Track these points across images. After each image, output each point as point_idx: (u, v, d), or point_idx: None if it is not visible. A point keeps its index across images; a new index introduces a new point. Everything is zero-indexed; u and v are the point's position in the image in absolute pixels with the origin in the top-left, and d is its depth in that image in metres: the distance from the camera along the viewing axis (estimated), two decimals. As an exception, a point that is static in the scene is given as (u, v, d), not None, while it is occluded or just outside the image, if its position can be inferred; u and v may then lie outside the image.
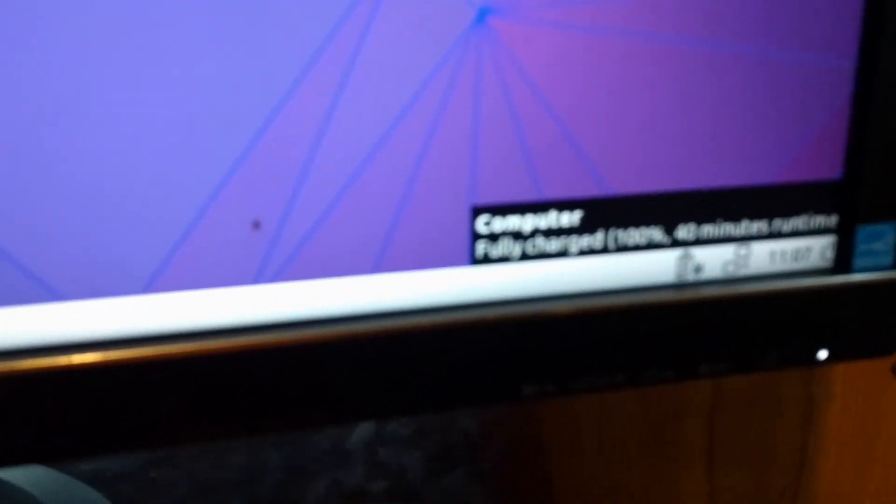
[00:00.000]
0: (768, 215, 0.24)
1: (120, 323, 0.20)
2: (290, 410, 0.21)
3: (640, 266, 0.23)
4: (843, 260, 0.24)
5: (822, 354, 0.25)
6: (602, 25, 0.21)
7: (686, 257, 0.24)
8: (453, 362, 0.22)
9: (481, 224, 0.22)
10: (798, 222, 0.24)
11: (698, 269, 0.24)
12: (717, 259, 0.24)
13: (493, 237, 0.22)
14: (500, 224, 0.22)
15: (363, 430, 0.39)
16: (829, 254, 0.24)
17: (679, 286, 0.24)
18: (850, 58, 0.23)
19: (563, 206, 0.22)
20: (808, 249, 0.24)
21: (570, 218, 0.22)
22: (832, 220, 0.24)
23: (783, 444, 0.46)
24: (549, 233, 0.22)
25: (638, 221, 0.23)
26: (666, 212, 0.23)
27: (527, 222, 0.22)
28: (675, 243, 0.23)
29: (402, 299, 0.22)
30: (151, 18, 0.18)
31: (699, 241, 0.23)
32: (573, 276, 0.23)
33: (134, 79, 0.19)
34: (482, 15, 0.20)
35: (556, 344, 0.23)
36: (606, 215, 0.23)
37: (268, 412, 0.21)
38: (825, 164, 0.24)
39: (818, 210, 0.24)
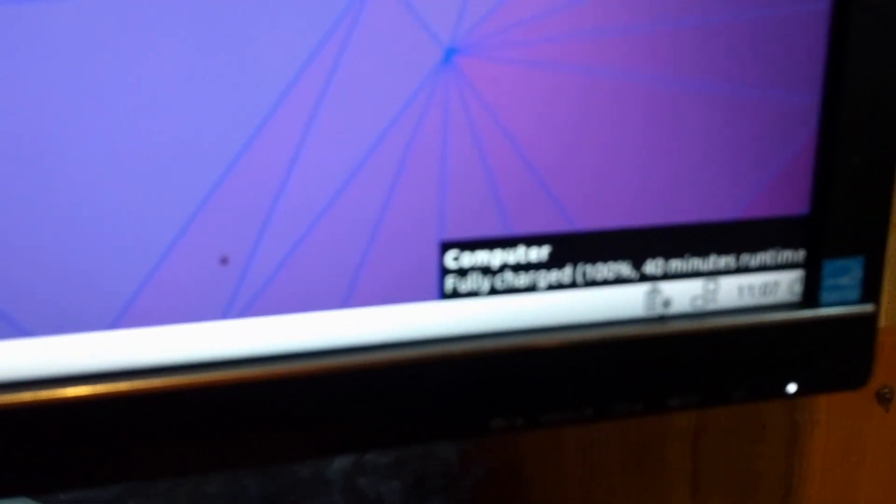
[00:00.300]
0: (736, 250, 0.24)
1: (87, 358, 0.20)
2: (257, 445, 0.21)
3: (609, 300, 0.23)
4: (810, 294, 0.25)
5: (792, 388, 0.25)
6: (568, 63, 0.21)
7: (654, 292, 0.24)
8: (422, 397, 0.22)
9: (450, 259, 0.22)
10: (766, 257, 0.24)
11: (667, 303, 0.24)
12: (685, 293, 0.24)
13: (462, 272, 0.22)
14: (469, 259, 0.22)
15: (342, 459, 0.39)
16: (798, 288, 0.25)
17: (648, 320, 0.24)
18: (815, 95, 0.23)
19: (532, 241, 0.22)
20: (776, 284, 0.25)
21: (539, 253, 0.23)
22: (800, 254, 0.25)
23: (768, 471, 0.46)
24: (518, 268, 0.23)
25: (606, 256, 0.23)
26: (633, 247, 0.23)
27: (495, 257, 0.22)
28: (644, 278, 0.24)
29: (371, 334, 0.22)
30: (120, 54, 0.19)
31: (667, 276, 0.24)
32: (542, 311, 0.23)
33: (102, 115, 0.19)
34: (449, 54, 0.20)
35: (525, 378, 0.23)
36: (574, 250, 0.23)
37: (235, 447, 0.21)
38: (792, 200, 0.24)
39: (786, 245, 0.24)
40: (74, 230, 0.19)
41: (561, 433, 0.44)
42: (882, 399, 0.45)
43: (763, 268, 0.24)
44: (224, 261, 0.20)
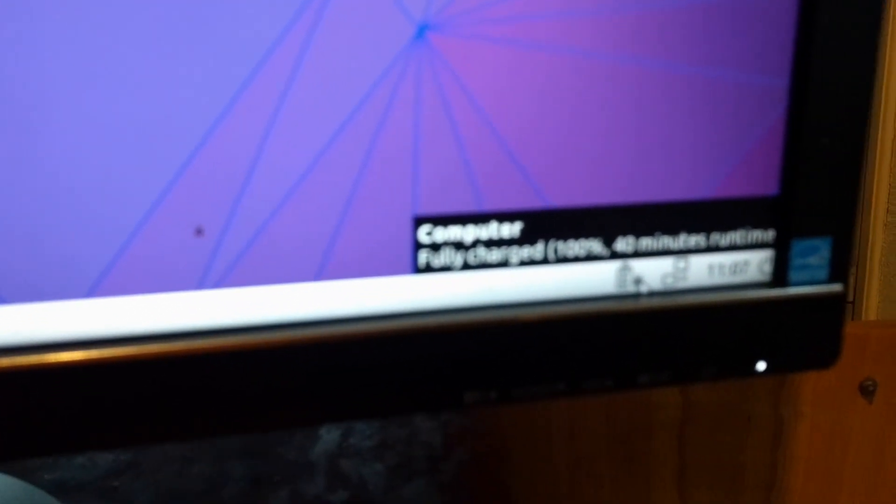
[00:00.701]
0: (706, 229, 0.24)
1: (63, 327, 0.21)
2: (230, 414, 0.22)
3: (581, 277, 0.24)
4: (779, 274, 0.25)
5: (761, 366, 0.25)
6: (540, 41, 0.22)
7: (625, 269, 0.24)
8: (395, 370, 0.23)
9: (423, 234, 0.22)
10: (735, 237, 0.25)
11: (638, 280, 0.24)
12: (656, 271, 0.24)
13: (435, 247, 0.23)
14: (442, 234, 0.23)
15: (326, 441, 0.39)
16: (767, 268, 0.25)
17: (619, 297, 0.24)
18: (784, 76, 0.24)
19: (504, 217, 0.23)
20: (746, 263, 0.25)
21: (511, 229, 0.23)
22: (769, 234, 0.25)
23: (753, 462, 0.46)
24: (490, 243, 0.23)
25: (577, 233, 0.23)
26: (605, 224, 0.24)
27: (468, 233, 0.23)
28: (615, 255, 0.24)
29: (345, 307, 0.22)
30: (92, 28, 0.19)
31: (638, 254, 0.24)
32: (514, 286, 0.23)
33: (79, 86, 0.19)
34: (422, 31, 0.21)
35: (498, 352, 0.23)
36: (546, 227, 0.23)
37: (208, 415, 0.22)
38: (762, 180, 0.24)
39: (755, 225, 0.25)
40: (50, 199, 0.20)
41: (548, 421, 0.44)
42: (865, 392, 0.46)
43: (733, 247, 0.25)
44: (199, 232, 0.21)
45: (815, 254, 0.25)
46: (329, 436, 0.40)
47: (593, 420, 0.44)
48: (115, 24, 0.19)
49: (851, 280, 1.01)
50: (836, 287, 0.25)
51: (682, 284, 0.25)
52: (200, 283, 0.21)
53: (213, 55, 0.20)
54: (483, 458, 0.39)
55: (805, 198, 0.24)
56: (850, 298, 1.01)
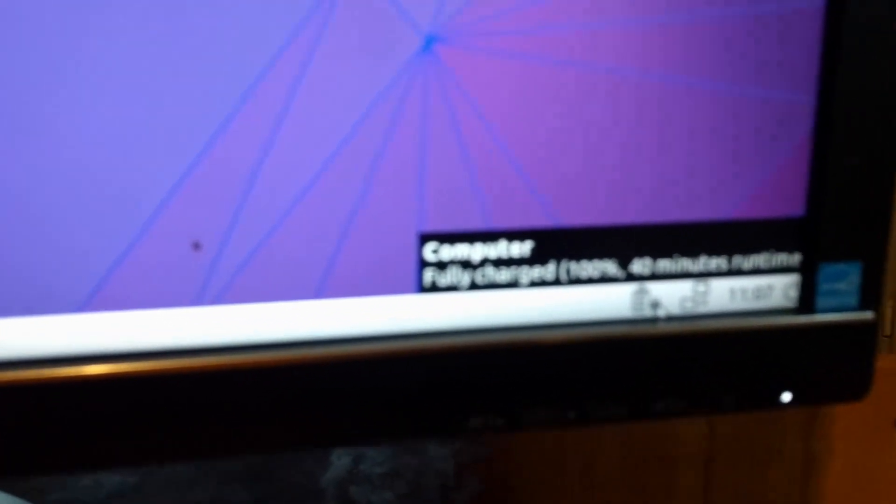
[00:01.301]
0: (727, 252, 0.23)
1: (54, 342, 0.20)
2: (225, 435, 0.21)
3: (595, 299, 0.23)
4: (806, 300, 0.24)
5: (786, 397, 0.24)
6: (552, 55, 0.21)
7: (642, 292, 0.23)
8: (397, 393, 0.22)
9: (429, 251, 0.22)
10: (759, 259, 0.24)
11: (655, 304, 0.23)
12: (674, 295, 0.23)
13: (442, 265, 0.22)
14: (449, 252, 0.22)
15: (337, 468, 0.38)
16: (793, 293, 0.24)
17: (635, 321, 0.23)
18: (810, 94, 0.23)
19: (514, 235, 0.22)
20: (770, 288, 0.24)
21: (521, 248, 0.22)
22: (795, 258, 0.24)
23: (783, 500, 0.45)
24: (499, 262, 0.22)
25: (591, 254, 0.22)
26: (620, 245, 0.23)
27: (476, 251, 0.22)
28: (630, 277, 0.23)
29: (346, 326, 0.21)
30: (95, 39, 0.19)
31: (655, 276, 0.23)
32: (524, 308, 0.22)
33: (76, 98, 0.19)
34: (429, 43, 0.20)
35: (505, 377, 0.22)
36: (557, 246, 0.22)
37: (203, 435, 0.21)
38: (786, 201, 0.23)
39: (780, 247, 0.24)
40: (46, 212, 0.19)
41: (563, 454, 0.43)
42: (900, 428, 0.44)
43: (756, 271, 0.24)
44: (196, 246, 0.20)
45: (843, 279, 0.23)
46: (340, 462, 0.39)
47: (611, 449, 0.42)
48: (113, 36, 0.19)
49: (888, 312, 0.99)
50: (867, 315, 0.24)
51: (702, 309, 0.23)
52: (198, 299, 0.21)
53: (215, 67, 0.19)
54: (495, 489, 0.38)
55: (832, 220, 0.23)
56: (888, 332, 0.99)
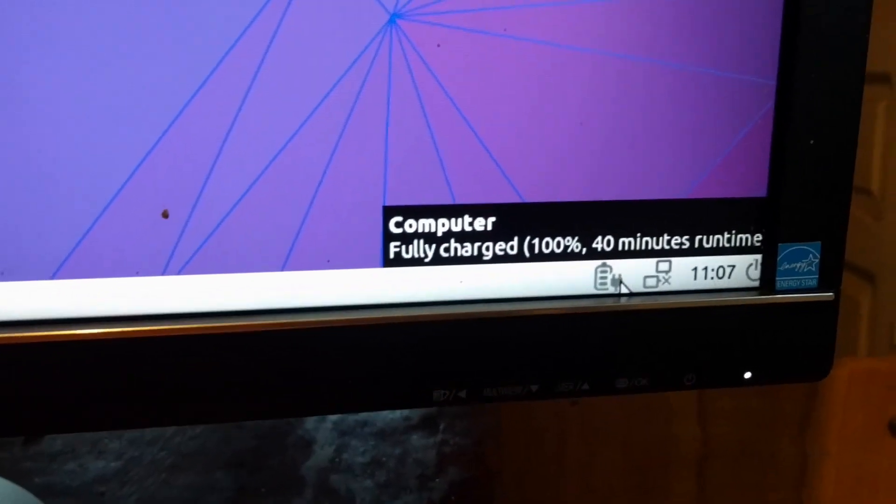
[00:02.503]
0: (690, 231, 0.24)
1: (26, 306, 0.21)
2: (186, 402, 0.21)
3: (558, 275, 0.23)
4: (767, 279, 0.24)
5: (747, 375, 0.24)
6: (514, 32, 0.22)
7: (605, 268, 0.24)
8: (361, 363, 0.22)
9: (393, 225, 0.22)
10: (721, 239, 0.24)
11: (617, 281, 0.24)
12: (637, 272, 0.24)
13: (406, 239, 0.22)
14: (413, 226, 0.22)
15: (319, 456, 0.39)
16: (754, 272, 0.24)
17: (597, 297, 0.23)
18: (771, 75, 0.23)
19: (477, 211, 0.22)
20: (732, 267, 0.24)
21: (484, 223, 0.23)
22: (756, 238, 0.24)
23: (776, 502, 0.45)
24: (463, 237, 0.23)
25: (553, 230, 0.23)
26: (582, 222, 0.23)
27: (440, 225, 0.22)
28: (593, 254, 0.23)
29: (311, 297, 0.22)
30: (65, 7, 0.19)
31: (617, 253, 0.23)
32: (487, 283, 0.23)
33: (46, 68, 0.19)
34: (393, 18, 0.21)
35: (469, 350, 0.23)
36: (521, 222, 0.23)
37: (165, 402, 0.21)
38: (748, 181, 0.24)
39: (742, 228, 0.24)
40: (17, 180, 0.20)
41: (562, 452, 0.43)
42: (895, 430, 0.44)
43: (718, 250, 0.24)
44: (165, 215, 0.21)
45: (803, 259, 0.24)
46: (322, 451, 0.39)
47: (608, 451, 0.42)
48: (84, 7, 0.19)
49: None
50: (828, 295, 0.24)
51: (664, 287, 0.24)
52: (165, 268, 0.21)
53: (183, 39, 0.20)
54: (476, 480, 0.38)
55: (792, 200, 0.23)
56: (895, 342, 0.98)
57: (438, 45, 0.21)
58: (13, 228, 0.20)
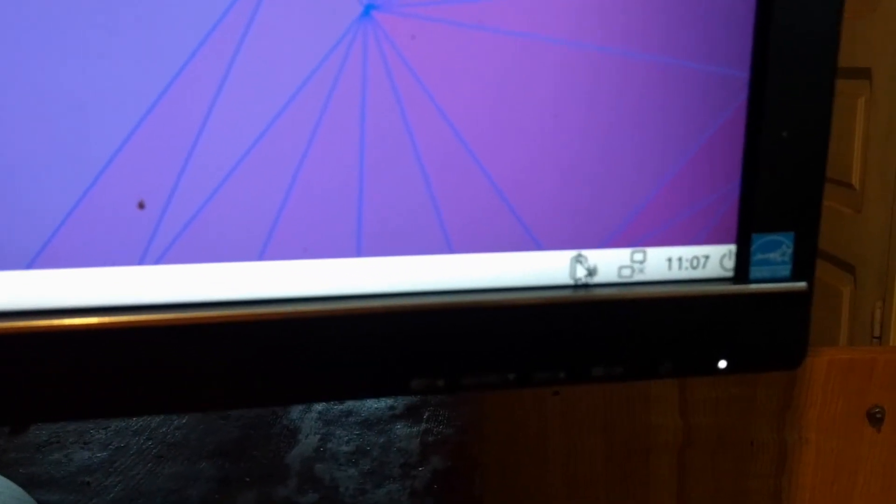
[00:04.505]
0: (664, 224, 0.24)
1: (1, 297, 0.21)
2: (162, 392, 0.22)
3: (532, 265, 0.23)
4: (741, 269, 0.24)
5: (722, 364, 0.25)
6: (489, 24, 0.22)
7: (579, 258, 0.24)
8: (339, 352, 0.22)
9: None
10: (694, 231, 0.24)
11: (592, 271, 0.24)
12: (612, 263, 0.24)
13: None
14: (390, 218, 0.22)
15: (303, 445, 0.39)
16: (728, 263, 0.25)
17: (572, 287, 0.24)
18: (744, 68, 0.23)
19: (453, 202, 0.23)
20: (707, 257, 0.24)
21: (461, 215, 0.23)
22: (730, 233, 0.24)
23: (756, 490, 0.45)
24: (440, 229, 0.23)
25: (530, 221, 0.23)
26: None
27: (417, 217, 0.23)
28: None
29: (288, 288, 0.22)
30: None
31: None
32: (462, 273, 0.23)
33: (19, 58, 0.19)
34: (367, 10, 0.21)
35: (446, 339, 0.23)
36: (497, 214, 0.23)
37: (140, 392, 0.21)
38: (721, 174, 0.24)
39: (715, 222, 0.24)
40: (-6, 169, 0.20)
41: (544, 442, 0.43)
42: (873, 419, 0.44)
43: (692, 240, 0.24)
44: (141, 205, 0.21)
45: (776, 249, 0.24)
46: (307, 440, 0.40)
47: (591, 439, 0.43)
48: (58, -6, 0.19)
49: (878, 314, 0.99)
50: (801, 285, 0.24)
51: (639, 277, 0.24)
52: (142, 258, 0.21)
53: (158, 29, 0.20)
54: (459, 469, 0.39)
55: (766, 191, 0.24)
56: (877, 334, 0.99)
57: (413, 37, 0.21)
58: (-11, 219, 0.20)
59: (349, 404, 0.41)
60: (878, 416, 0.44)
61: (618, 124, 0.23)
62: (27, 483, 0.35)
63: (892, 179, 0.93)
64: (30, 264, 0.21)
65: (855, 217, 1.01)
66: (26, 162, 0.20)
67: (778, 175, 0.24)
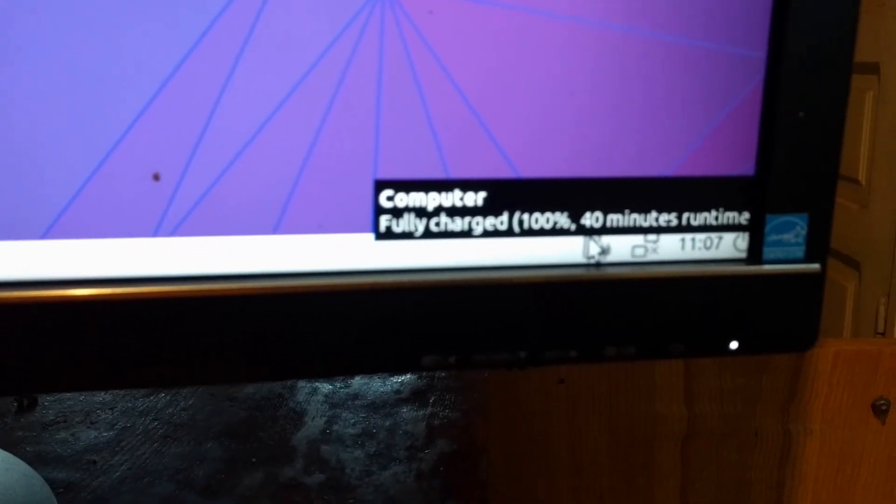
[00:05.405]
0: (678, 208, 0.24)
1: (15, 267, 0.21)
2: (176, 364, 0.22)
3: (546, 250, 0.23)
4: (754, 250, 0.24)
5: (734, 345, 0.25)
6: (510, 2, 0.22)
7: (593, 239, 0.24)
8: (351, 328, 0.22)
9: (384, 199, 0.22)
10: (708, 216, 0.24)
11: (606, 249, 0.24)
12: (626, 242, 0.24)
13: (397, 212, 0.22)
14: (404, 200, 0.22)
15: (310, 427, 0.39)
16: (742, 243, 0.24)
17: (585, 265, 0.24)
18: (761, 48, 0.23)
19: (468, 185, 0.23)
20: (720, 238, 0.24)
21: (475, 198, 0.23)
22: (744, 216, 0.24)
23: (760, 480, 0.45)
24: (454, 212, 0.23)
25: (543, 206, 0.23)
26: (572, 198, 0.23)
27: (431, 200, 0.22)
28: (581, 230, 0.23)
29: (301, 262, 0.22)
30: (56, -32, 0.19)
31: (605, 230, 0.24)
32: (477, 257, 0.23)
33: (35, 30, 0.19)
34: (385, -15, 0.21)
35: (457, 316, 0.23)
36: (511, 197, 0.23)
37: (154, 364, 0.21)
38: (737, 158, 0.24)
39: (730, 206, 0.24)
40: (6, 140, 0.20)
41: (548, 429, 0.43)
42: (878, 411, 0.44)
43: (705, 227, 0.24)
44: (156, 177, 0.21)
45: (790, 230, 0.24)
46: (313, 422, 0.40)
47: (595, 428, 0.43)
48: (76, -37, 0.19)
49: (882, 310, 0.99)
50: (814, 266, 0.24)
51: (652, 256, 0.24)
52: (156, 230, 0.21)
53: (174, 2, 0.20)
54: (464, 452, 0.39)
55: (781, 172, 0.24)
56: (881, 329, 0.99)
57: (430, 13, 0.21)
58: (2, 188, 0.20)
59: (356, 387, 0.41)
60: (884, 407, 0.44)
61: (633, 104, 0.23)
62: (34, 461, 0.35)
63: (899, 176, 0.93)
64: (44, 234, 0.21)
65: (861, 213, 1.00)
66: (42, 133, 0.20)
67: (794, 156, 0.24)
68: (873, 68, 0.95)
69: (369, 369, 0.23)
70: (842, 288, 1.05)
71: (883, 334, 0.99)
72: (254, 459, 0.36)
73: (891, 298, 0.98)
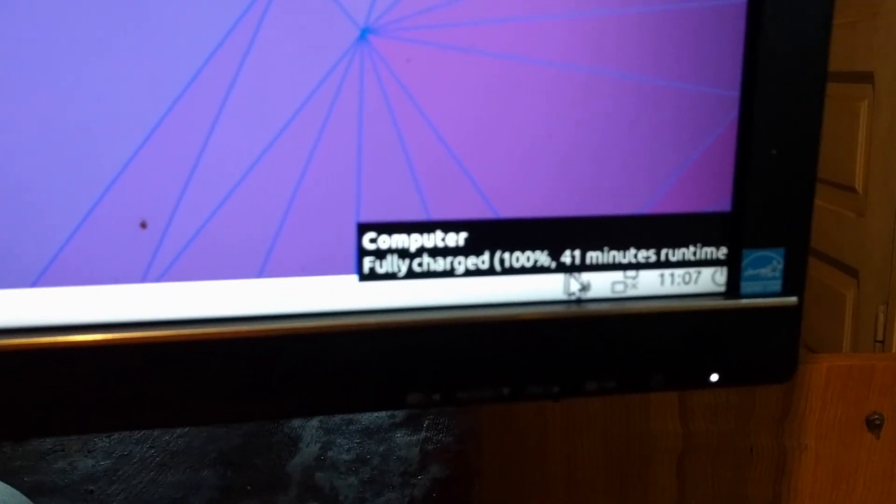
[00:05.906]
0: (656, 244, 0.24)
1: (6, 314, 0.21)
2: (167, 405, 0.22)
3: (527, 288, 0.24)
4: (732, 284, 0.25)
5: (714, 377, 0.25)
6: (485, 48, 0.22)
7: (573, 274, 0.24)
8: (337, 368, 0.23)
9: (367, 241, 0.23)
10: (686, 252, 0.25)
11: (586, 286, 0.24)
12: (605, 278, 0.24)
13: (380, 254, 0.23)
14: (387, 241, 0.23)
15: (304, 454, 0.39)
16: (720, 278, 0.25)
17: (566, 302, 0.24)
18: (734, 87, 0.24)
19: (449, 226, 0.23)
20: (699, 273, 0.25)
21: (456, 239, 0.23)
22: (721, 251, 0.25)
23: (755, 496, 0.45)
24: (436, 252, 0.23)
25: (523, 245, 0.24)
26: (551, 237, 0.24)
27: (413, 241, 0.23)
28: (561, 268, 0.24)
29: (287, 305, 0.23)
30: (40, 21, 0.20)
31: (585, 267, 0.24)
32: (459, 296, 0.24)
33: (25, 81, 0.20)
34: (364, 34, 0.21)
35: (441, 354, 0.23)
36: (492, 238, 0.23)
37: (142, 407, 0.22)
38: (713, 195, 0.24)
39: (707, 241, 0.25)
40: (0, 191, 0.20)
41: (543, 448, 0.43)
42: (872, 426, 0.45)
43: (683, 263, 0.25)
44: (143, 225, 0.21)
45: (767, 265, 0.24)
46: (308, 449, 0.40)
47: (590, 445, 0.43)
48: (58, 17, 0.20)
49: (881, 318, 0.99)
50: (791, 300, 0.25)
51: (631, 292, 0.25)
52: (144, 276, 0.22)
53: (159, 52, 0.20)
54: (458, 477, 0.39)
55: (756, 208, 0.24)
56: (881, 338, 0.99)
57: (409, 60, 0.22)
58: (-5, 239, 0.21)
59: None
60: (877, 422, 0.44)
61: (610, 144, 0.23)
62: (32, 491, 0.36)
63: (895, 183, 0.93)
64: (34, 282, 0.21)
65: (858, 221, 1.01)
66: (31, 182, 0.20)
67: (769, 192, 0.24)
68: (868, 77, 0.96)
69: (356, 408, 0.23)
70: (840, 296, 1.05)
71: (882, 342, 0.99)
72: (249, 487, 0.36)
73: (890, 306, 0.98)
